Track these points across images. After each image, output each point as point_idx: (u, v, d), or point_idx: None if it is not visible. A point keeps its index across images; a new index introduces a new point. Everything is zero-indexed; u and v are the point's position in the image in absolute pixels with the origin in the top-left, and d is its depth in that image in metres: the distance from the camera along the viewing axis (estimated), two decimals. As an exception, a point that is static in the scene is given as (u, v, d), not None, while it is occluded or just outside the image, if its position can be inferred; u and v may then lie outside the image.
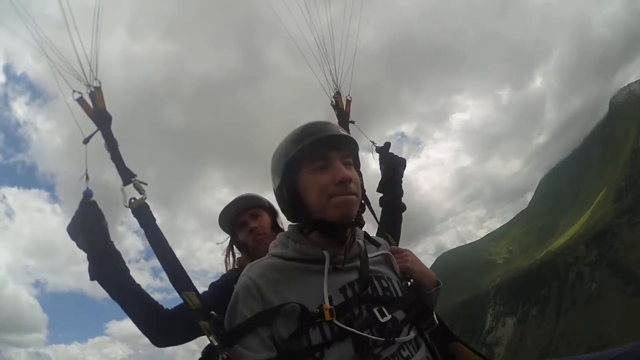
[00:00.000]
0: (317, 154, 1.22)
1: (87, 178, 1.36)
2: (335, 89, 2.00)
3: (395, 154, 1.93)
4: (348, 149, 1.28)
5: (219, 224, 2.14)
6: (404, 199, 1.95)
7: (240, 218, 2.08)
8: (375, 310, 1.19)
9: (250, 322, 1.15)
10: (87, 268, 1.35)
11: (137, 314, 1.42)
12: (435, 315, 1.38)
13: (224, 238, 2.15)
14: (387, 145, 1.96)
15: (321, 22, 1.86)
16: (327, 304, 1.14)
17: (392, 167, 1.80)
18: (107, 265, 1.36)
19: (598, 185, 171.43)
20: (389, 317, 1.19)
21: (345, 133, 1.28)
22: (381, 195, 1.60)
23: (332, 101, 2.03)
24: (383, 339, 1.14)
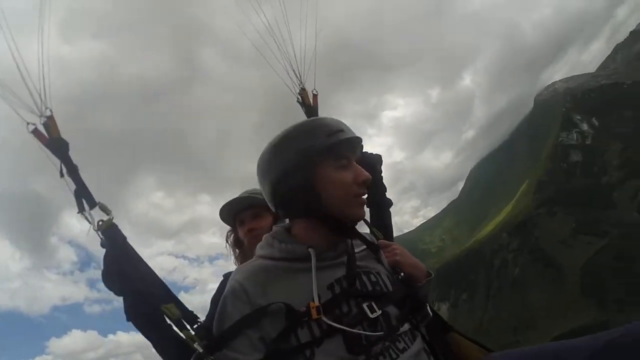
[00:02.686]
0: (344, 152, 1.24)
1: (97, 231, 1.38)
2: (299, 85, 1.96)
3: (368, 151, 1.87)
4: (358, 153, 1.31)
5: (220, 215, 2.14)
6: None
7: (241, 215, 2.08)
8: (364, 305, 1.18)
9: (238, 325, 1.15)
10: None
11: (170, 354, 1.39)
12: (428, 307, 1.37)
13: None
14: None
15: (277, 19, 1.85)
16: (315, 302, 1.13)
17: (371, 165, 1.72)
18: (143, 315, 1.36)
19: (522, 178, 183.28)
20: (379, 312, 1.18)
21: (359, 137, 1.30)
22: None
23: (298, 98, 1.99)
24: (374, 334, 1.14)
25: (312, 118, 1.66)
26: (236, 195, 2.09)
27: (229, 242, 2.19)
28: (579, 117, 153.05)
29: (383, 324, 1.17)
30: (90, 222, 1.36)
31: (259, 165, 1.30)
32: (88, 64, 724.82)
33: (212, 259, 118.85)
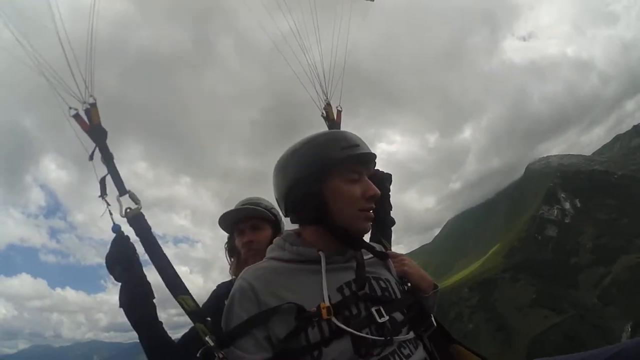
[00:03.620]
0: (356, 166, 1.28)
1: (111, 214, 1.45)
2: (325, 100, 2.02)
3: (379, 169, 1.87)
4: (371, 168, 1.35)
5: (219, 223, 2.11)
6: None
7: (240, 225, 2.06)
8: (373, 310, 1.20)
9: (246, 324, 1.16)
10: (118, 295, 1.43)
11: (154, 352, 1.45)
12: (433, 318, 1.39)
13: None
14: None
15: (309, 38, 1.96)
16: (325, 302, 1.15)
17: (380, 182, 1.71)
18: (138, 300, 1.42)
19: (496, 239, 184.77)
20: (387, 317, 1.20)
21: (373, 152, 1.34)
22: (372, 210, 1.47)
23: (322, 113, 2.04)
24: (382, 339, 1.16)
25: (332, 130, 1.71)
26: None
27: (226, 249, 2.17)
28: (563, 195, 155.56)
29: (390, 329, 1.19)
30: (119, 208, 1.44)
31: (276, 168, 1.34)
32: (105, 14, 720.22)
33: (176, 240, 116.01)
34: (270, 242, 1.44)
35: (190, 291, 1.39)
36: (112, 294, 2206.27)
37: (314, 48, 1.93)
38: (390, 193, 1.90)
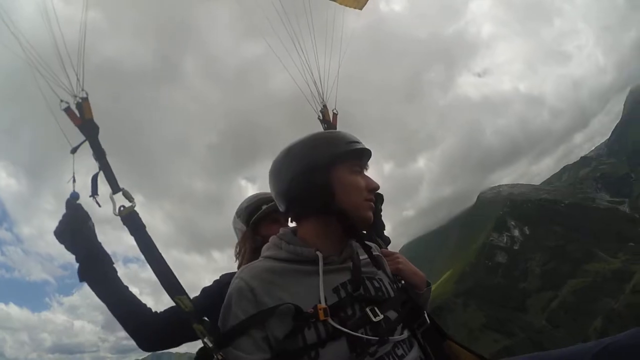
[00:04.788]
0: (358, 160, 1.35)
1: (74, 181, 1.41)
2: (321, 102, 2.09)
3: None
4: (367, 166, 1.41)
5: (240, 211, 2.00)
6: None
7: (273, 215, 1.93)
8: (368, 310, 1.22)
9: (244, 324, 1.17)
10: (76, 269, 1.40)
11: (125, 318, 1.44)
12: (426, 315, 1.41)
13: None
14: None
15: (305, 42, 2.04)
16: (322, 304, 1.16)
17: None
18: (95, 268, 1.40)
19: (448, 265, 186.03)
20: (382, 316, 1.22)
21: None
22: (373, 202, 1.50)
23: (319, 115, 2.10)
24: (377, 338, 1.18)
25: (334, 130, 1.78)
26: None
27: (242, 250, 1.93)
28: (513, 223, 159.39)
29: (384, 328, 1.22)
30: (113, 206, 1.40)
31: (275, 166, 1.36)
32: (71, 19, 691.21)
33: (126, 260, 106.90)
34: None
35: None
36: (57, 313, 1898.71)
37: (309, 51, 2.00)
38: (381, 213, 1.94)
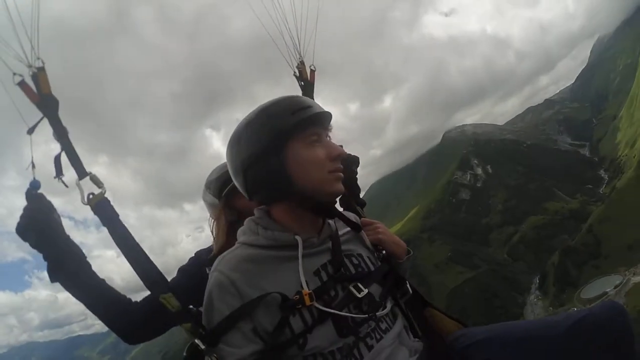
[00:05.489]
0: (312, 128, 1.18)
1: (34, 167, 1.24)
2: (298, 58, 1.90)
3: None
4: (329, 128, 1.27)
5: (210, 183, 1.78)
6: None
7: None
8: (351, 287, 1.20)
9: (230, 318, 1.12)
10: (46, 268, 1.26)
11: (104, 313, 1.35)
12: (408, 284, 1.40)
13: None
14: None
15: None
16: (305, 289, 1.13)
17: (347, 165, 1.64)
18: (67, 264, 1.27)
19: (415, 202, 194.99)
20: (366, 291, 1.20)
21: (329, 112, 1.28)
22: (341, 170, 1.37)
23: (295, 71, 1.92)
24: (363, 316, 1.17)
25: (282, 96, 1.42)
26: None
27: (219, 226, 1.70)
28: (476, 161, 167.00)
29: (368, 304, 1.20)
30: (80, 194, 1.24)
31: (230, 142, 1.24)
32: None
33: (99, 225, 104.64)
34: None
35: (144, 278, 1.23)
36: (39, 289, 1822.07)
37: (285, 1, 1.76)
38: (357, 176, 1.78)
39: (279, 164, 1.15)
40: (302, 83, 1.89)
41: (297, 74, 1.89)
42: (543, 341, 1.14)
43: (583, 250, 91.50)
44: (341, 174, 1.20)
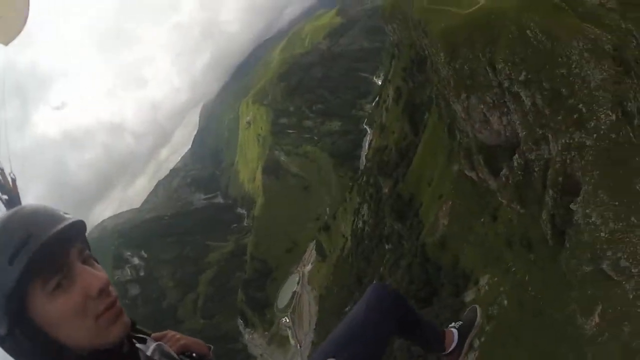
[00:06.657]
0: (49, 267, 0.86)
1: None
2: None
3: None
4: (82, 239, 0.96)
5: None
6: None
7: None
8: None
9: None
10: None
11: None
12: None
13: None
14: None
15: None
16: None
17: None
18: None
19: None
20: None
21: (74, 219, 0.93)
22: (112, 305, 1.09)
23: None
24: None
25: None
26: None
27: None
28: (129, 253, 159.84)
29: None
30: None
31: None
32: None
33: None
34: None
35: None
36: None
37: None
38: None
39: (30, 330, 0.86)
40: (6, 197, 1.30)
41: None
42: (358, 325, 1.69)
43: (257, 275, 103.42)
44: (116, 309, 0.94)
